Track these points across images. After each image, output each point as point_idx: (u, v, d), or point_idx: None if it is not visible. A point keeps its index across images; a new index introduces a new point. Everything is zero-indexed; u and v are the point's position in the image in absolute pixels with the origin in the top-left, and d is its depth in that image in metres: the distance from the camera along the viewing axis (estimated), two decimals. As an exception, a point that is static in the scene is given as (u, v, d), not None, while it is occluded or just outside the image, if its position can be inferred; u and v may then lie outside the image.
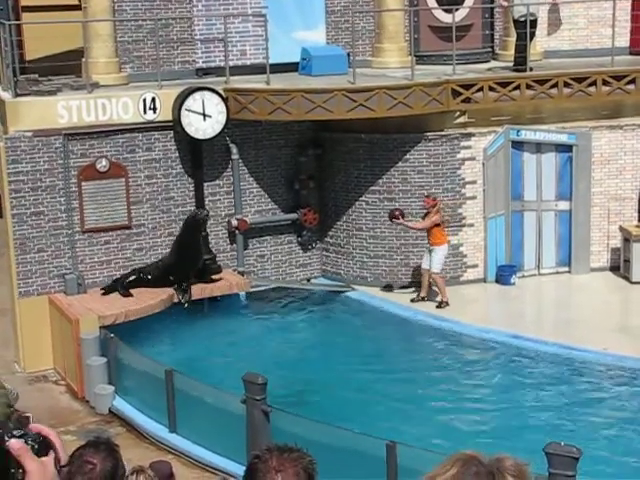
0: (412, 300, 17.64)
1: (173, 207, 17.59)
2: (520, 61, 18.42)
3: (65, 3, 19.08)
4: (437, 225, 17.25)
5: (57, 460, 2.82)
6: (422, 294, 17.65)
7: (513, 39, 19.79)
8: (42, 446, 2.77)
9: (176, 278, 16.60)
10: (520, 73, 18.17)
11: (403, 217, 17.38)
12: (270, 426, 11.93)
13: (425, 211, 17.42)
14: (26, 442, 2.72)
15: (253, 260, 18.51)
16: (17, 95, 16.46)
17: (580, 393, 14.44)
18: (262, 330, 17.24)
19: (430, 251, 17.36)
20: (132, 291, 16.41)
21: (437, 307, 17.32)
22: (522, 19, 18.36)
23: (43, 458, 2.77)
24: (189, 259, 16.74)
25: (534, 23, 18.50)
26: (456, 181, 18.16)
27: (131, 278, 16.68)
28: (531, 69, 18.31)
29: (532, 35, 18.50)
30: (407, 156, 17.94)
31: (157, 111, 17.06)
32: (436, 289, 17.60)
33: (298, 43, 18.66)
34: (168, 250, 17.27)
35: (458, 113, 17.99)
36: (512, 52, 19.71)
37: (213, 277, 17.27)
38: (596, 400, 14.21)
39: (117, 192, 17.14)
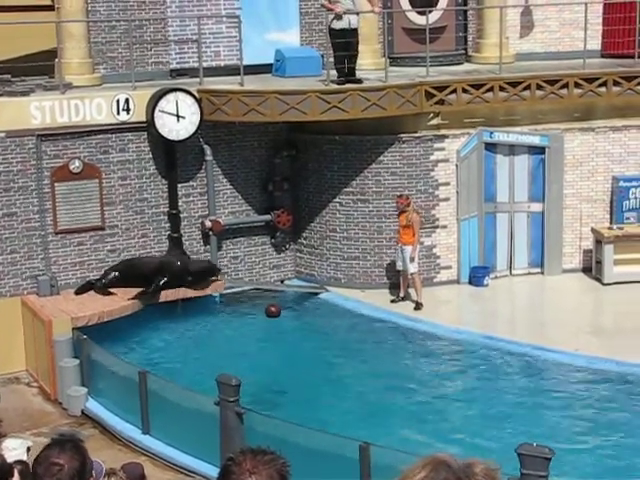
0: (392, 301, 17.69)
1: (147, 208, 17.55)
2: (351, 72, 17.43)
3: (38, 3, 18.96)
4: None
5: None
6: (401, 294, 17.71)
7: (487, 41, 19.96)
8: None
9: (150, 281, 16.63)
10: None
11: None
12: (244, 428, 11.93)
13: (398, 211, 17.39)
14: None
15: (227, 261, 18.50)
16: (-11, 95, 16.40)
17: (552, 394, 14.51)
18: (235, 331, 17.23)
19: (402, 251, 17.39)
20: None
21: (415, 309, 17.34)
22: (344, 29, 17.17)
23: None
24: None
25: (355, 33, 17.38)
26: (429, 183, 18.21)
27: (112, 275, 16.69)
28: (360, 81, 17.39)
29: (356, 45, 17.38)
30: (381, 158, 17.98)
31: (131, 112, 17.01)
32: (412, 290, 17.62)
33: (272, 44, 18.68)
34: (142, 251, 17.32)
35: (432, 115, 18.05)
36: (486, 54, 19.86)
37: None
38: (567, 401, 14.28)
39: (90, 193, 17.08)
